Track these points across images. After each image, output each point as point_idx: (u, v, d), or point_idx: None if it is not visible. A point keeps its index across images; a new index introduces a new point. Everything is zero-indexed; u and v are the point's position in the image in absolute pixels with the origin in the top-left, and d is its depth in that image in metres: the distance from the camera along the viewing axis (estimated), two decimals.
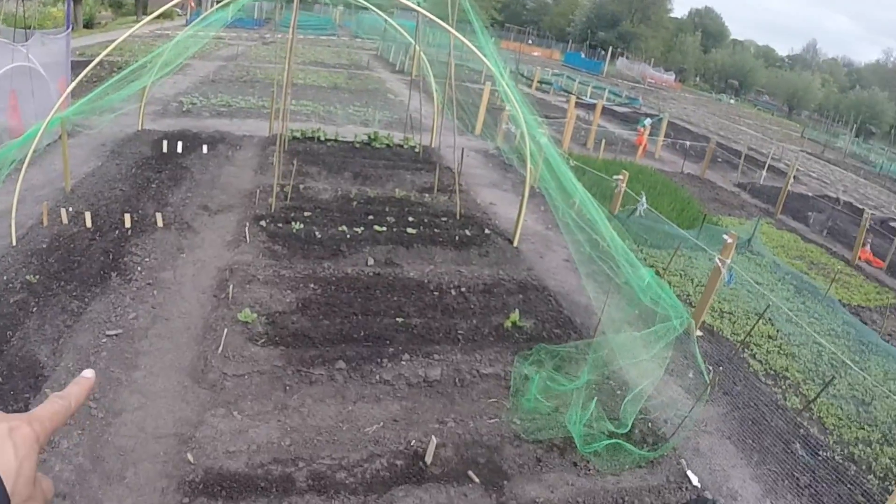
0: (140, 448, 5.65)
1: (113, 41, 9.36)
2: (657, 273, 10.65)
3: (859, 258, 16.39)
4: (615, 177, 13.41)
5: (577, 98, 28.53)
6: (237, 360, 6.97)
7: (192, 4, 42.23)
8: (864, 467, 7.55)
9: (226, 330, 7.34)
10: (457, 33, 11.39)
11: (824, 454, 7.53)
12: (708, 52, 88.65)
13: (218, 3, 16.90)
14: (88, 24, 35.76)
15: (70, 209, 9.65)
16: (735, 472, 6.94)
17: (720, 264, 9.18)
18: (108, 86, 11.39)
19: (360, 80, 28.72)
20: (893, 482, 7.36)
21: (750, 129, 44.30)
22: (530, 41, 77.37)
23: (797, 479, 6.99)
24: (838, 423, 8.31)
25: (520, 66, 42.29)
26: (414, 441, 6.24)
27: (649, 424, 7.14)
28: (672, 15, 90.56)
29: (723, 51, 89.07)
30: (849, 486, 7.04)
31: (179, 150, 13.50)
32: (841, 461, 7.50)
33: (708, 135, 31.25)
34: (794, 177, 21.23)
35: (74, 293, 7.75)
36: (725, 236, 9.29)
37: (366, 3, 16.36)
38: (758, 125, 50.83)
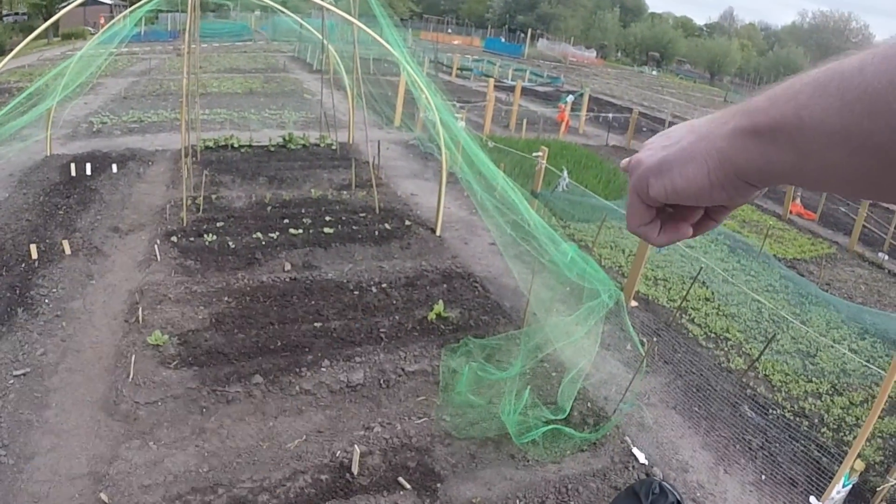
0: (54, 492, 5.20)
1: (23, 65, 8.77)
2: (586, 247, 10.40)
3: (791, 212, 16.48)
4: (535, 154, 13.14)
5: (498, 81, 28.32)
6: (149, 386, 6.50)
7: (103, 21, 41.10)
8: (816, 421, 7.42)
9: (134, 356, 6.85)
10: (358, 23, 11.01)
11: (774, 412, 7.35)
12: (627, 27, 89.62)
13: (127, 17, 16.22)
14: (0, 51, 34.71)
15: None
16: (683, 442, 6.70)
17: None
18: (10, 109, 10.78)
19: (276, 83, 28.14)
20: (848, 432, 7.20)
21: (673, 98, 44.78)
22: (449, 30, 77.36)
23: (749, 441, 6.81)
24: (785, 380, 8.18)
25: (439, 55, 42.00)
26: (339, 452, 5.86)
27: (588, 405, 6.83)
28: None
29: (642, 24, 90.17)
30: (803, 442, 6.86)
31: (88, 172, 12.84)
32: (792, 417, 7.35)
33: (631, 106, 31.30)
34: None
35: None
36: None
37: (278, 6, 15.89)
38: (681, 93, 51.49)
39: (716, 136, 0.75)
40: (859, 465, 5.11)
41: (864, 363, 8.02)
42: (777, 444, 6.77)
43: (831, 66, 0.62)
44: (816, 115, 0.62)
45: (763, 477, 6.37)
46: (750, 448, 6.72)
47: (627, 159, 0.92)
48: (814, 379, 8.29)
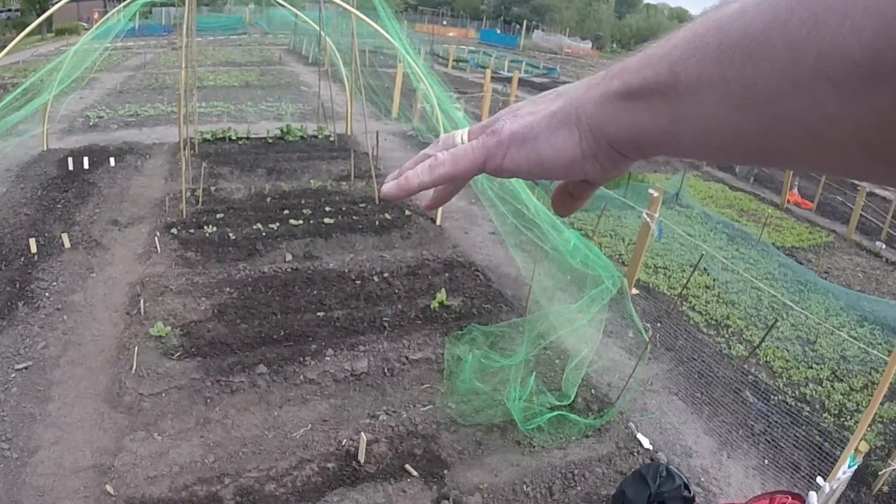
0: (59, 486, 5.19)
1: (17, 61, 8.75)
2: (586, 235, 10.41)
3: (788, 201, 16.49)
4: None
5: (494, 72, 28.26)
6: (152, 377, 6.50)
7: (97, 16, 40.97)
8: (817, 406, 7.45)
9: (137, 347, 6.84)
10: (358, 12, 10.99)
11: (776, 398, 7.38)
12: (622, 18, 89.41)
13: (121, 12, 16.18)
14: None
15: None
16: (687, 428, 6.72)
17: (648, 220, 8.94)
18: (5, 104, 10.74)
19: (272, 75, 28.07)
20: (849, 417, 7.24)
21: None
22: (444, 22, 77.08)
23: (751, 427, 6.84)
24: (786, 366, 8.20)
25: (434, 47, 41.94)
26: (345, 440, 5.87)
27: (592, 391, 6.86)
28: None
29: (637, 15, 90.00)
30: (804, 427, 6.89)
31: (86, 166, 12.79)
32: (793, 403, 7.38)
33: None
34: None
35: None
36: (651, 191, 9.04)
37: None
38: None
39: (586, 100, 0.67)
40: (864, 447, 5.14)
41: (865, 348, 8.05)
42: (779, 430, 6.80)
43: (709, 15, 0.54)
44: (693, 69, 0.54)
45: (766, 461, 6.40)
46: (753, 433, 6.75)
47: (392, 182, 0.82)
48: (814, 365, 8.31)
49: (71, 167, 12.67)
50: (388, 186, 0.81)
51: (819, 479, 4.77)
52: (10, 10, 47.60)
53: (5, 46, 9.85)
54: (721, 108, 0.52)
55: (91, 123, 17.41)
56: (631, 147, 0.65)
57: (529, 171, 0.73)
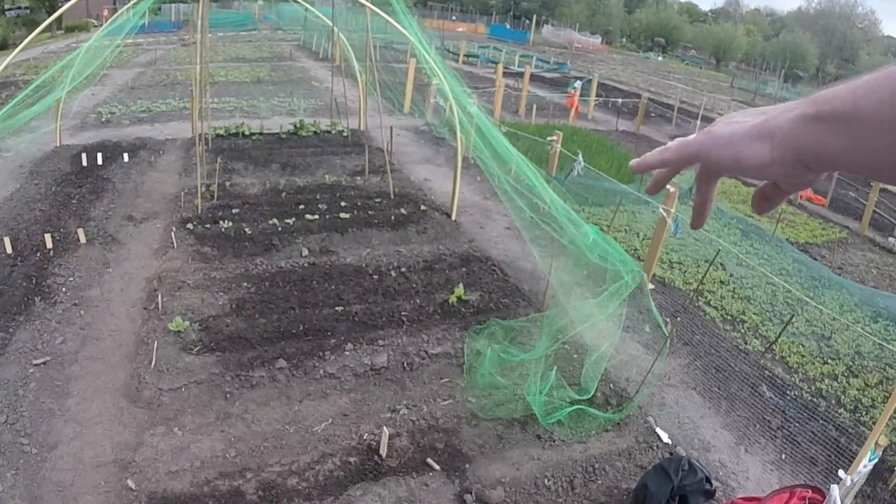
0: (79, 481, 5.20)
1: (28, 59, 8.79)
2: (602, 230, 10.42)
3: (801, 197, 16.45)
4: (549, 138, 13.12)
5: (505, 67, 28.24)
6: (172, 372, 6.52)
7: (106, 14, 41.02)
8: (833, 402, 7.45)
9: (156, 342, 6.86)
10: (372, 6, 10.99)
11: (792, 393, 7.38)
12: (632, 13, 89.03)
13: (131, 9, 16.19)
14: (2, 46, 34.60)
15: None
16: (704, 422, 6.74)
17: (665, 215, 8.95)
18: (18, 101, 10.77)
19: (283, 71, 28.05)
20: (864, 413, 7.24)
21: (680, 84, 44.55)
22: (454, 17, 76.90)
23: (768, 421, 6.85)
24: (802, 361, 8.21)
25: (445, 43, 41.86)
26: (366, 434, 5.90)
27: (611, 385, 6.87)
28: None
29: (646, 10, 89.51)
30: (821, 422, 6.89)
31: (100, 161, 12.84)
32: (810, 398, 7.37)
33: (639, 92, 31.20)
34: None
35: None
36: (668, 186, 9.02)
37: None
38: (687, 79, 51.16)
39: (784, 118, 0.82)
40: (883, 441, 5.15)
41: (881, 343, 8.04)
42: (796, 424, 6.81)
43: (889, 68, 0.70)
44: (871, 107, 0.70)
45: (783, 456, 6.41)
46: (769, 428, 6.76)
47: (637, 160, 1.04)
48: (829, 360, 8.32)
49: (85, 163, 12.71)
50: (633, 162, 1.05)
51: (840, 473, 4.78)
52: (19, 8, 47.67)
53: (16, 44, 9.92)
54: (889, 138, 0.70)
55: (104, 120, 17.44)
56: (813, 159, 0.81)
57: (731, 168, 0.91)
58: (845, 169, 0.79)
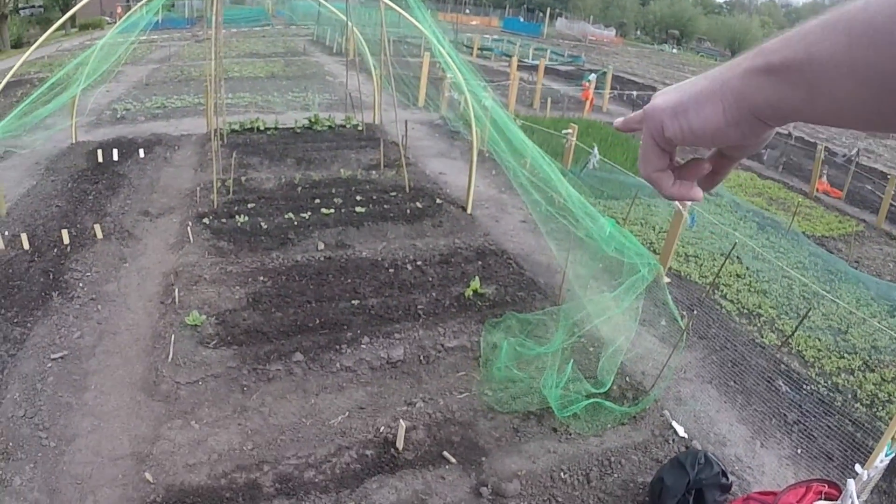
0: (97, 474, 5.25)
1: (42, 56, 8.84)
2: (617, 224, 10.40)
3: (817, 190, 16.37)
4: (565, 131, 13.10)
5: (519, 60, 28.17)
6: (189, 366, 6.57)
7: (120, 11, 41.18)
8: (849, 396, 7.40)
9: (173, 336, 6.92)
10: (389, 2, 11.01)
11: (808, 387, 7.35)
12: (646, 5, 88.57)
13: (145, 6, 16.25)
14: (17, 45, 34.81)
15: (6, 233, 9.11)
16: (720, 416, 6.72)
17: (681, 208, 8.93)
18: (34, 99, 10.83)
19: (297, 66, 28.10)
20: (881, 408, 7.21)
21: (695, 76, 44.41)
22: (467, 10, 76.69)
23: (785, 416, 6.82)
24: (818, 355, 8.16)
25: (458, 36, 41.82)
26: (383, 427, 5.92)
27: (627, 379, 6.88)
28: None
29: (660, 2, 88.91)
30: (837, 416, 6.86)
31: (115, 157, 12.92)
32: (826, 392, 7.34)
33: (654, 85, 31.12)
34: None
35: (15, 320, 7.23)
36: None
37: None
38: (702, 71, 50.64)
39: (730, 76, 0.80)
40: None
41: None
42: (812, 419, 6.77)
43: (838, 9, 0.67)
44: (825, 51, 0.67)
45: (799, 451, 6.39)
46: (786, 422, 6.73)
47: (622, 118, 1.01)
48: (846, 354, 8.27)
49: (100, 159, 12.78)
50: (617, 121, 1.05)
51: (857, 467, 4.77)
52: (33, 7, 47.96)
53: (30, 42, 9.98)
54: (849, 84, 0.66)
55: (119, 116, 17.53)
56: (770, 114, 0.78)
57: (684, 139, 0.89)
58: (807, 120, 0.76)
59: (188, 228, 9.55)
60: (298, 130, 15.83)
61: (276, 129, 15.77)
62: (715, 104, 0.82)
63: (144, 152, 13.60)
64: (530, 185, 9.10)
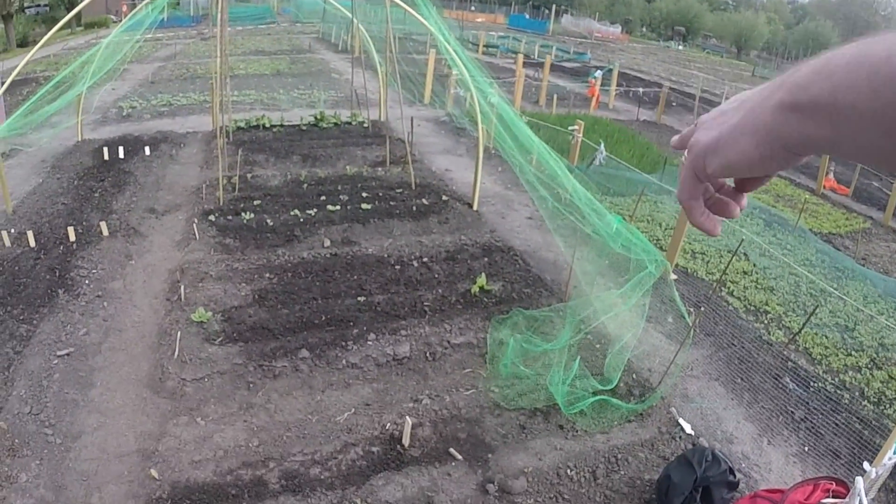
0: (103, 470, 5.26)
1: (48, 55, 8.83)
2: (624, 220, 10.38)
3: (824, 187, 16.32)
4: (571, 128, 13.07)
5: (525, 57, 28.13)
6: (195, 362, 6.58)
7: (125, 9, 41.23)
8: (856, 394, 7.37)
9: (179, 333, 6.92)
10: None
11: (815, 385, 7.31)
12: (652, 2, 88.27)
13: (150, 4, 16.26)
14: (23, 43, 34.87)
15: (12, 231, 9.12)
16: (727, 414, 6.70)
17: None
18: (39, 97, 10.84)
19: (302, 63, 28.11)
20: (888, 406, 7.18)
21: (701, 73, 44.20)
22: (473, 7, 76.61)
23: (792, 413, 6.79)
24: (825, 353, 8.13)
25: (464, 33, 41.75)
26: (389, 424, 5.92)
27: (633, 376, 6.85)
28: None
29: None
30: (845, 414, 6.83)
31: (121, 155, 12.92)
32: (833, 390, 7.30)
33: (660, 81, 31.01)
34: None
35: (22, 317, 7.25)
36: None
37: None
38: (708, 68, 50.74)
39: (762, 110, 0.80)
40: None
41: None
42: (819, 416, 6.74)
43: (862, 50, 0.66)
44: (849, 98, 0.66)
45: (806, 448, 6.36)
46: (793, 420, 6.70)
47: (678, 137, 1.01)
48: (853, 352, 8.23)
49: (106, 157, 12.79)
50: (673, 139, 1.04)
51: (865, 465, 4.75)
52: (39, 6, 48.02)
53: (36, 41, 9.99)
54: (873, 133, 0.66)
55: (124, 114, 17.56)
56: (801, 149, 0.78)
57: (723, 174, 0.91)
58: (838, 155, 0.77)
59: (194, 225, 9.56)
60: (304, 127, 15.82)
61: (281, 126, 15.76)
62: (748, 139, 0.83)
63: (150, 150, 13.61)
64: (537, 181, 9.08)
